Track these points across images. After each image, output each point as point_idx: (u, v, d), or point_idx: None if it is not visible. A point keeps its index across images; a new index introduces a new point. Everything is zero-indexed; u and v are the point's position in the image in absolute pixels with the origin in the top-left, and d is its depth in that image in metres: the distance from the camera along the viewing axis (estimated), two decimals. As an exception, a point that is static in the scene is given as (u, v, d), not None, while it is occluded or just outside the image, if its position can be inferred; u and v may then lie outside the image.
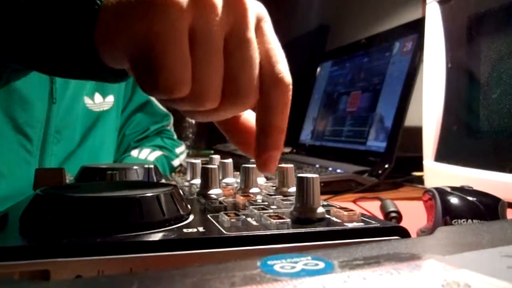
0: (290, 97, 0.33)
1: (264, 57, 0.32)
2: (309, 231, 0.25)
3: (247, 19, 0.31)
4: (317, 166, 0.87)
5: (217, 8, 0.29)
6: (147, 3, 0.27)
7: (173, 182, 0.46)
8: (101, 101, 0.87)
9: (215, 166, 0.36)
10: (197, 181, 0.43)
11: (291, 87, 0.32)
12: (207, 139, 2.15)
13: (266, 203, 0.32)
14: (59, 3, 0.29)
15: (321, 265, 0.16)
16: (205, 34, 0.29)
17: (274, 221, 0.25)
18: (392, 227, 0.26)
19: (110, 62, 0.30)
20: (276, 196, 0.34)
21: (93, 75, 0.33)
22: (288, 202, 0.31)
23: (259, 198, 0.35)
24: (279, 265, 0.16)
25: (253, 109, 0.34)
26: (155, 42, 0.27)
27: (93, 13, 0.28)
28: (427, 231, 0.38)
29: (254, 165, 0.39)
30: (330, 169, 0.82)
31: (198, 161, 0.46)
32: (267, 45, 0.33)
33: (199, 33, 0.28)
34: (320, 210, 0.28)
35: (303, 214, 0.27)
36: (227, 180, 0.45)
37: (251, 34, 0.31)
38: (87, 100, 0.84)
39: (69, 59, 0.30)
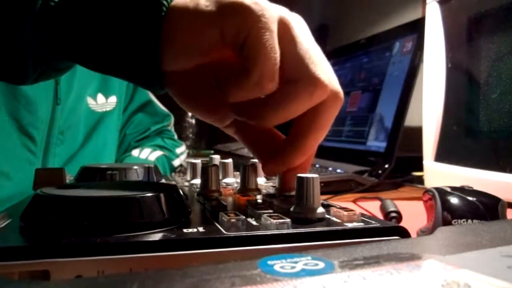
0: (337, 112, 0.33)
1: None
2: (309, 231, 0.25)
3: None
4: (317, 166, 0.87)
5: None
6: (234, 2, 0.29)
7: (173, 182, 0.46)
8: (103, 101, 0.87)
9: (215, 166, 0.36)
10: (197, 181, 0.43)
11: (342, 99, 0.33)
12: (207, 139, 2.15)
13: (266, 203, 0.32)
14: (127, 4, 0.30)
15: (321, 265, 0.16)
16: (290, 33, 0.31)
17: (274, 221, 0.25)
18: (392, 227, 0.26)
19: (171, 62, 0.31)
20: (276, 196, 0.34)
21: (145, 79, 0.34)
22: (288, 202, 0.31)
23: (259, 198, 0.35)
24: (279, 265, 0.16)
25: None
26: (252, 37, 0.28)
27: (159, 16, 0.30)
28: (427, 231, 0.38)
29: (254, 165, 0.39)
30: (330, 169, 0.82)
31: (198, 161, 0.46)
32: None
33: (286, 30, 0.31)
34: (320, 210, 0.28)
35: (303, 214, 0.27)
36: (227, 180, 0.45)
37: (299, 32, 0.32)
38: (90, 101, 0.84)
39: (131, 60, 0.31)
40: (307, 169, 0.35)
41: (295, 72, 0.30)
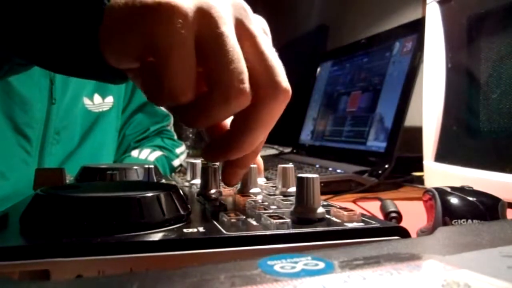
0: (284, 108, 0.31)
1: (257, 60, 0.30)
2: (309, 231, 0.25)
3: (250, 20, 0.31)
4: (317, 166, 0.87)
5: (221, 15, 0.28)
6: (152, 8, 0.27)
7: (173, 182, 0.46)
8: (100, 102, 0.87)
9: (215, 166, 0.36)
10: (197, 181, 0.43)
11: (289, 94, 0.31)
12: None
13: (266, 203, 0.32)
14: (67, 1, 0.29)
15: (321, 265, 0.16)
16: (212, 36, 0.28)
17: (274, 221, 0.25)
18: (392, 227, 0.26)
19: (114, 62, 0.30)
20: (276, 196, 0.34)
21: (95, 74, 0.33)
22: (288, 202, 0.32)
23: (259, 198, 0.35)
24: (279, 265, 0.16)
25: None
26: (160, 48, 0.27)
27: (99, 13, 0.28)
28: (427, 231, 0.38)
29: (254, 165, 0.39)
30: (330, 169, 0.82)
31: (198, 161, 0.46)
32: (260, 53, 0.31)
33: (206, 34, 0.28)
34: (320, 210, 0.28)
35: (303, 214, 0.27)
36: (227, 180, 0.45)
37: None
38: (86, 101, 0.84)
39: (73, 57, 0.30)
40: (246, 166, 0.34)
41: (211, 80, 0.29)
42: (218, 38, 0.28)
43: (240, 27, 0.30)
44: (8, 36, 0.31)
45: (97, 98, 0.86)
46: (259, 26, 0.32)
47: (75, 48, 0.30)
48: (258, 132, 0.30)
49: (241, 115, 0.30)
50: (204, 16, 0.28)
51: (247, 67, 0.29)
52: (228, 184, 0.34)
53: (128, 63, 0.29)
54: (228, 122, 0.34)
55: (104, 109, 0.87)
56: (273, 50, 0.31)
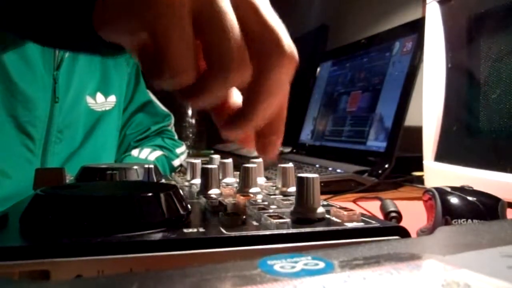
0: (291, 73, 0.30)
1: (258, 28, 0.29)
2: (309, 231, 0.25)
3: None
4: (317, 166, 0.87)
5: None
6: None
7: (173, 182, 0.46)
8: (103, 101, 0.87)
9: (215, 166, 0.36)
10: (197, 181, 0.43)
11: (296, 59, 0.29)
12: (207, 139, 2.15)
13: (266, 203, 0.32)
14: None
15: (321, 265, 0.16)
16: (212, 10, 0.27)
17: (274, 221, 0.25)
18: (392, 227, 0.26)
19: (108, 36, 0.29)
20: (276, 196, 0.34)
21: (88, 47, 0.32)
22: (288, 202, 0.32)
23: (259, 198, 0.35)
24: (279, 265, 0.16)
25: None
26: (157, 29, 0.26)
27: None
28: (427, 231, 0.38)
29: (254, 165, 0.39)
30: (330, 169, 0.82)
31: (198, 161, 0.46)
32: (262, 18, 0.30)
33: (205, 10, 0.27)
34: (320, 210, 0.28)
35: (303, 214, 0.27)
36: (227, 180, 0.45)
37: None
38: (89, 100, 0.85)
39: (67, 30, 0.30)
40: (277, 132, 0.32)
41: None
42: (213, 11, 0.27)
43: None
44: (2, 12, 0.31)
45: (99, 97, 0.86)
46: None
47: (70, 21, 0.29)
48: (268, 102, 0.29)
49: (249, 87, 0.29)
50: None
51: (248, 35, 0.28)
52: (266, 155, 0.32)
53: (122, 41, 0.29)
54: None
55: (107, 108, 0.87)
56: (274, 14, 0.30)
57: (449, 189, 0.39)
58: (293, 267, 0.16)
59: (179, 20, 0.26)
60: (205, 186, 0.36)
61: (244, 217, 0.27)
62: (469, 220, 0.36)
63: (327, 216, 0.28)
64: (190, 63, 0.27)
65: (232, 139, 0.32)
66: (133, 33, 0.28)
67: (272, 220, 0.25)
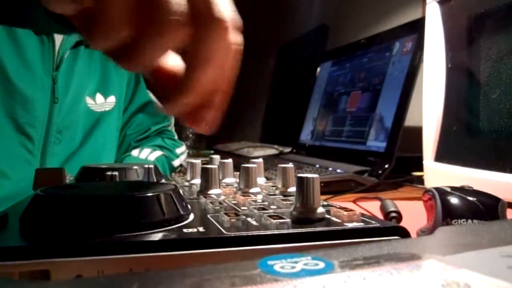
0: (232, 41, 0.28)
1: None
2: (309, 231, 0.25)
3: None
4: (317, 166, 0.87)
5: None
6: None
7: (173, 182, 0.46)
8: (102, 101, 0.87)
9: (215, 166, 0.36)
10: (197, 181, 0.43)
11: (233, 24, 0.28)
12: (207, 139, 2.15)
13: (266, 203, 0.32)
14: None
15: (321, 265, 0.16)
16: None
17: (274, 221, 0.25)
18: (392, 227, 0.26)
19: (52, 6, 0.28)
20: (276, 196, 0.34)
21: (34, 21, 0.32)
22: (288, 202, 0.31)
23: (259, 198, 0.35)
24: (279, 265, 0.16)
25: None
26: None
27: None
28: (427, 231, 0.38)
29: (254, 165, 0.39)
30: (330, 169, 0.82)
31: (198, 161, 0.46)
32: None
33: None
34: (320, 210, 0.28)
35: (303, 214, 0.27)
36: (227, 180, 0.45)
37: None
38: (88, 100, 0.85)
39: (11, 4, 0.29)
40: (212, 106, 0.31)
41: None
42: None
43: None
44: None
45: (99, 97, 0.86)
46: None
47: None
48: (208, 68, 0.28)
49: (189, 53, 0.28)
50: None
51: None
52: (196, 127, 0.31)
53: (66, 9, 0.28)
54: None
55: (106, 109, 0.87)
56: None
57: (449, 189, 0.39)
58: (293, 267, 0.16)
59: None
60: (205, 186, 0.36)
61: (244, 217, 0.27)
62: (469, 220, 0.36)
63: (327, 216, 0.28)
64: (125, 16, 0.27)
65: (175, 114, 0.31)
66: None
67: (272, 220, 0.25)
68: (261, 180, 0.44)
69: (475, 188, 0.40)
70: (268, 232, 0.24)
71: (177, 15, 0.27)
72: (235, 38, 0.29)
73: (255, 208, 0.29)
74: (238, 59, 0.30)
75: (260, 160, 0.47)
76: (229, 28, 0.28)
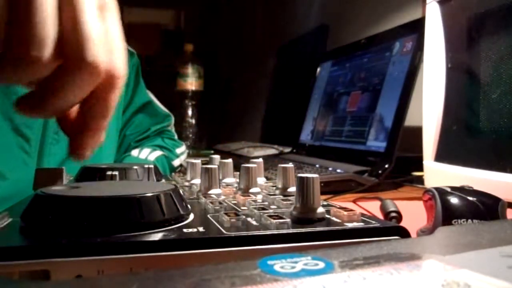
0: (113, 98, 0.30)
1: (69, 24, 0.28)
2: (309, 231, 0.25)
3: None
4: (317, 166, 0.87)
5: None
6: None
7: (173, 182, 0.46)
8: None
9: (215, 166, 0.36)
10: (197, 181, 0.43)
11: (119, 81, 0.30)
12: (207, 139, 2.15)
13: (266, 203, 0.32)
14: None
15: (321, 265, 0.16)
16: None
17: (274, 221, 0.25)
18: (392, 227, 0.26)
19: None
20: (276, 196, 0.34)
21: None
22: (288, 202, 0.31)
23: (259, 198, 0.35)
24: (279, 265, 0.16)
25: None
26: None
27: None
28: (427, 231, 0.38)
29: (254, 165, 0.39)
30: (330, 169, 0.82)
31: (198, 161, 0.46)
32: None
33: None
34: (320, 210, 0.28)
35: (303, 214, 0.27)
36: (227, 180, 0.45)
37: None
38: None
39: None
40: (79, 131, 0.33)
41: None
42: None
43: None
44: None
45: None
46: None
47: None
48: (62, 98, 0.29)
49: (51, 75, 0.29)
50: None
51: (62, 34, 0.27)
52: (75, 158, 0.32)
53: None
54: None
55: None
56: (97, 22, 0.29)
57: (449, 189, 0.39)
58: (293, 267, 0.16)
59: None
60: (205, 186, 0.36)
61: (244, 217, 0.27)
62: (469, 220, 0.36)
63: (327, 216, 0.28)
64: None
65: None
66: None
67: (272, 220, 0.25)
68: (261, 180, 0.44)
69: (475, 188, 0.40)
70: (268, 232, 0.24)
71: (39, 49, 0.27)
72: (94, 82, 0.29)
73: (255, 208, 0.29)
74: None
75: (260, 160, 0.47)
76: (89, 71, 0.29)
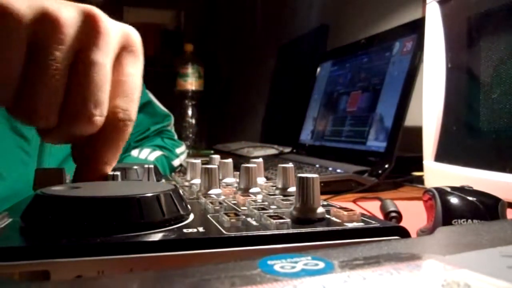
0: (124, 137, 0.34)
1: (111, 88, 0.32)
2: (309, 231, 0.25)
3: (99, 42, 0.30)
4: (317, 166, 0.87)
5: (62, 26, 0.29)
6: None
7: (173, 182, 0.46)
8: None
9: (215, 166, 0.36)
10: (197, 181, 0.43)
11: (128, 125, 0.33)
12: (207, 139, 2.15)
13: (266, 203, 0.32)
14: None
15: (321, 265, 0.16)
16: (40, 50, 0.28)
17: (274, 221, 0.25)
18: (392, 227, 0.26)
19: None
20: (276, 196, 0.34)
21: None
22: (288, 202, 0.31)
23: (259, 198, 0.35)
24: (279, 265, 0.16)
25: None
26: None
27: None
28: (427, 231, 0.38)
29: (254, 165, 0.39)
30: (330, 169, 0.82)
31: (198, 161, 0.46)
32: (118, 76, 0.32)
33: (37, 48, 0.28)
34: (320, 210, 0.28)
35: (303, 214, 0.27)
36: (227, 180, 0.45)
37: (101, 57, 0.30)
38: None
39: None
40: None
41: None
42: (46, 57, 0.29)
43: (81, 48, 0.30)
44: None
45: None
46: (107, 50, 0.31)
47: None
48: (111, 159, 0.34)
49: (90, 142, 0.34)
50: (41, 23, 0.28)
51: (68, 87, 0.30)
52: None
53: None
54: None
55: None
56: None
57: (449, 189, 0.39)
58: (293, 267, 0.16)
59: (8, 41, 0.28)
60: (205, 186, 0.36)
61: (244, 217, 0.27)
62: (469, 220, 0.36)
63: (327, 216, 0.28)
64: (7, 89, 0.29)
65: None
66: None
67: (272, 220, 0.25)
68: (261, 180, 0.44)
69: (475, 188, 0.40)
70: (268, 232, 0.24)
71: (47, 107, 0.30)
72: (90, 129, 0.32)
73: (255, 208, 0.29)
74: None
75: (260, 160, 0.47)
76: (126, 125, 0.33)
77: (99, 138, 0.33)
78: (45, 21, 0.28)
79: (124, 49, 0.33)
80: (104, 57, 0.30)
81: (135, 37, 0.34)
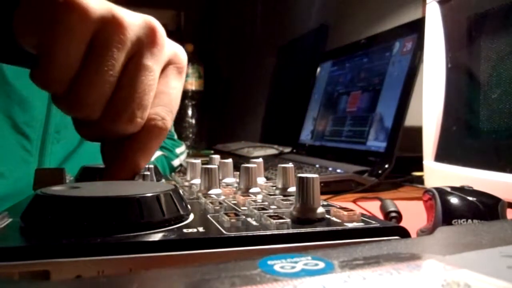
0: (157, 143, 0.35)
1: (154, 97, 0.34)
2: (309, 231, 0.25)
3: (154, 51, 0.33)
4: (317, 166, 0.87)
5: (125, 29, 0.31)
6: (59, 3, 0.30)
7: (173, 182, 0.46)
8: None
9: (215, 166, 0.36)
10: (197, 181, 0.43)
11: (164, 134, 0.35)
12: (207, 139, 2.15)
13: (266, 203, 0.32)
14: None
15: (321, 265, 0.16)
16: (101, 46, 0.31)
17: (274, 221, 0.25)
18: (392, 227, 0.26)
19: (26, 46, 0.33)
20: (276, 196, 0.34)
21: (12, 59, 0.36)
22: (288, 202, 0.31)
23: (259, 198, 0.35)
24: (279, 265, 0.16)
25: None
26: (49, 38, 0.30)
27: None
28: (427, 231, 0.38)
29: (254, 165, 0.39)
30: (330, 169, 0.82)
31: (198, 161, 0.46)
32: (162, 87, 0.34)
33: (98, 44, 0.31)
34: (320, 210, 0.28)
35: (303, 214, 0.27)
36: (227, 180, 0.45)
37: (153, 64, 0.33)
38: None
39: None
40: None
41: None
42: (106, 53, 0.31)
43: (136, 53, 0.33)
44: None
45: None
46: (158, 60, 0.34)
47: None
48: (144, 158, 0.36)
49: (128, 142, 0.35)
50: (107, 23, 0.31)
51: (117, 86, 0.32)
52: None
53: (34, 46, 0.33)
54: None
55: None
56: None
57: (449, 189, 0.39)
58: (293, 267, 0.16)
59: (72, 33, 0.30)
60: (205, 186, 0.36)
61: (244, 217, 0.27)
62: (469, 220, 0.36)
63: (327, 216, 0.28)
64: (64, 75, 0.32)
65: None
66: (34, 34, 0.32)
67: (272, 220, 0.25)
68: (261, 180, 0.44)
69: (475, 188, 0.40)
70: (268, 232, 0.24)
71: (132, 114, 0.33)
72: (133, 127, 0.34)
73: (255, 208, 0.29)
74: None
75: (260, 160, 0.47)
76: (161, 133, 0.35)
77: (135, 140, 0.34)
78: (111, 21, 0.31)
79: (171, 64, 0.35)
80: (155, 65, 0.33)
81: (183, 56, 0.37)
